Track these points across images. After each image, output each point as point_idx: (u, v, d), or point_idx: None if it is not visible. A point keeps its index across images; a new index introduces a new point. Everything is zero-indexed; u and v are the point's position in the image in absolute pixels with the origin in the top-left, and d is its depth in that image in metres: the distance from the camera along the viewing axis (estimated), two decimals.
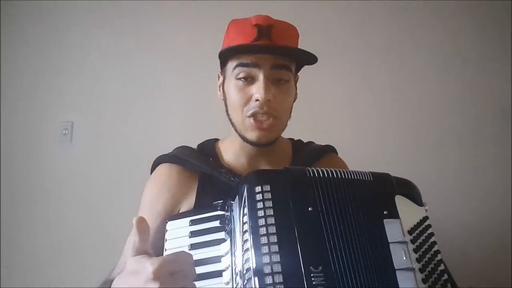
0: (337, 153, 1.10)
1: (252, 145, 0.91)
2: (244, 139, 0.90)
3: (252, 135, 0.88)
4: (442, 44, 2.00)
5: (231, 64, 0.89)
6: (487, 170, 1.91)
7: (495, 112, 1.96)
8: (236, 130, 0.92)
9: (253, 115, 0.86)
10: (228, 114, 0.93)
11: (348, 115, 1.95)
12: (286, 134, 1.04)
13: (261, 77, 0.85)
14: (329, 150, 1.07)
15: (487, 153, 1.93)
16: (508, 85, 1.97)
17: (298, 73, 0.99)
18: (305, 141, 1.09)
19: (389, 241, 0.68)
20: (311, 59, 0.89)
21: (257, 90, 0.85)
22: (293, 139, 1.08)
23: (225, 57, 0.91)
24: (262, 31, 0.86)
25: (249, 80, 0.87)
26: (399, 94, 1.97)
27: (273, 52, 0.86)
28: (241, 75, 0.87)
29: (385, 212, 0.70)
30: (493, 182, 1.90)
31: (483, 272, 1.79)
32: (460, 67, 1.99)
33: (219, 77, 0.98)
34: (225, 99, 0.94)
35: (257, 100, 0.85)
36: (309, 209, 0.68)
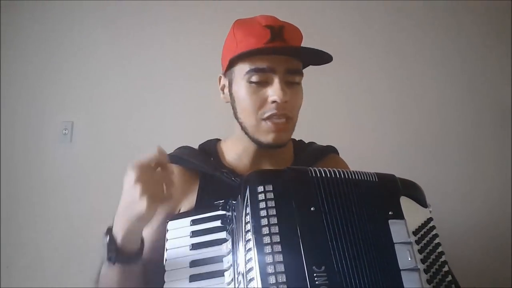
0: (338, 154, 1.10)
1: (267, 147, 0.90)
2: (256, 141, 0.89)
3: (268, 137, 0.87)
4: (442, 44, 2.00)
5: (242, 67, 0.87)
6: (487, 170, 1.91)
7: (495, 112, 1.96)
8: (247, 133, 0.90)
9: (270, 118, 0.86)
10: (237, 117, 0.92)
11: (348, 115, 1.95)
12: None
13: (276, 80, 0.85)
14: (330, 150, 1.07)
15: (487, 153, 1.93)
16: (508, 85, 1.97)
17: None
18: (306, 142, 1.09)
19: (394, 242, 0.68)
20: (325, 58, 0.88)
21: (275, 92, 0.84)
22: (294, 139, 1.07)
23: (236, 60, 0.88)
24: (275, 32, 0.85)
25: (263, 83, 0.86)
26: (399, 94, 1.97)
27: (292, 54, 0.86)
28: (255, 79, 0.85)
29: (390, 213, 0.71)
30: (493, 182, 1.90)
31: (483, 272, 1.79)
32: (460, 67, 1.99)
33: (220, 80, 0.97)
34: (233, 102, 0.92)
35: (273, 102, 0.84)
36: (312, 208, 0.68)
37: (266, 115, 0.86)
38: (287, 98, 0.84)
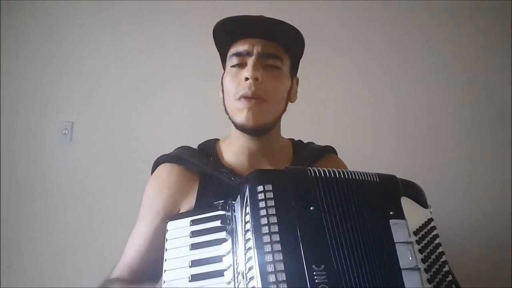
0: (336, 154, 1.10)
1: (243, 130, 0.91)
2: (235, 125, 0.91)
3: (242, 116, 0.88)
4: (441, 44, 1.99)
5: (228, 56, 0.93)
6: (487, 170, 1.91)
7: (495, 112, 1.96)
8: (230, 118, 0.93)
9: (244, 96, 0.88)
10: (225, 108, 0.94)
11: (347, 115, 1.94)
12: (285, 134, 1.05)
13: (251, 60, 0.89)
14: (329, 150, 1.08)
15: (487, 152, 1.92)
16: (508, 85, 1.97)
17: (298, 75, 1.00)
18: (305, 142, 1.09)
19: (395, 241, 0.68)
20: (297, 40, 0.92)
21: (246, 69, 0.88)
22: (293, 139, 1.08)
23: (222, 47, 0.95)
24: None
25: (242, 65, 0.90)
26: (399, 94, 1.97)
27: (259, 26, 0.90)
28: (235, 62, 0.91)
29: (391, 213, 0.71)
30: (492, 182, 1.89)
31: (483, 272, 1.79)
32: (460, 67, 1.98)
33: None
34: (222, 93, 0.96)
35: (246, 79, 0.87)
36: (311, 208, 0.68)
37: (240, 94, 0.88)
38: (258, 76, 0.87)
